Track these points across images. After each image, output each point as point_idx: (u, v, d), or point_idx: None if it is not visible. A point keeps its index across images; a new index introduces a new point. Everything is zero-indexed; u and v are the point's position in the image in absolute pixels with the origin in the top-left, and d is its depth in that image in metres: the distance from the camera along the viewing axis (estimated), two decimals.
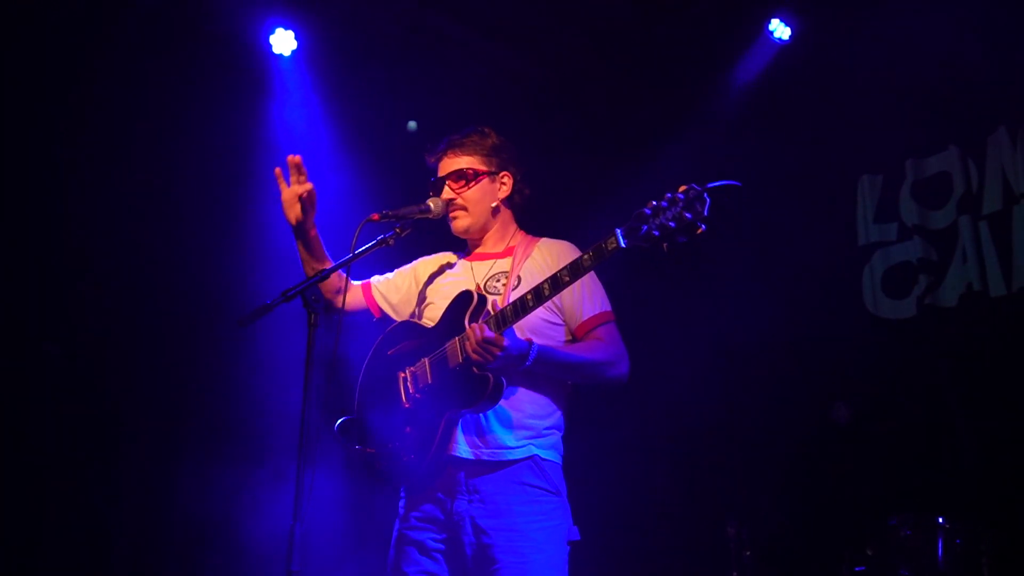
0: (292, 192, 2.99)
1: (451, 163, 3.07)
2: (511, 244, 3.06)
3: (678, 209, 2.29)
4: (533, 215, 3.23)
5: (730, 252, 5.69)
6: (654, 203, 2.35)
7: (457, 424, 2.75)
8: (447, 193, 3.05)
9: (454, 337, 2.73)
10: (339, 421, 2.94)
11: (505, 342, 2.59)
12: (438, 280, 3.11)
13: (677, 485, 5.53)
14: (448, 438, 2.74)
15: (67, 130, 4.80)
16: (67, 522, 4.61)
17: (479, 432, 2.76)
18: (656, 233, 2.33)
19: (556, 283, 2.58)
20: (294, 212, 2.99)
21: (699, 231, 2.28)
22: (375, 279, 3.27)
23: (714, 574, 4.92)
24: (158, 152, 4.95)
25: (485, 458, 2.75)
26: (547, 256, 2.98)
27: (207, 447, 4.78)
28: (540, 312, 2.81)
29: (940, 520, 4.15)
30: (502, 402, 2.72)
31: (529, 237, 3.11)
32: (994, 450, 4.73)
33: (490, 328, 2.61)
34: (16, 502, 4.48)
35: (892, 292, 5.51)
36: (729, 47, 5.66)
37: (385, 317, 3.19)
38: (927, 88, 5.20)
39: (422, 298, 3.11)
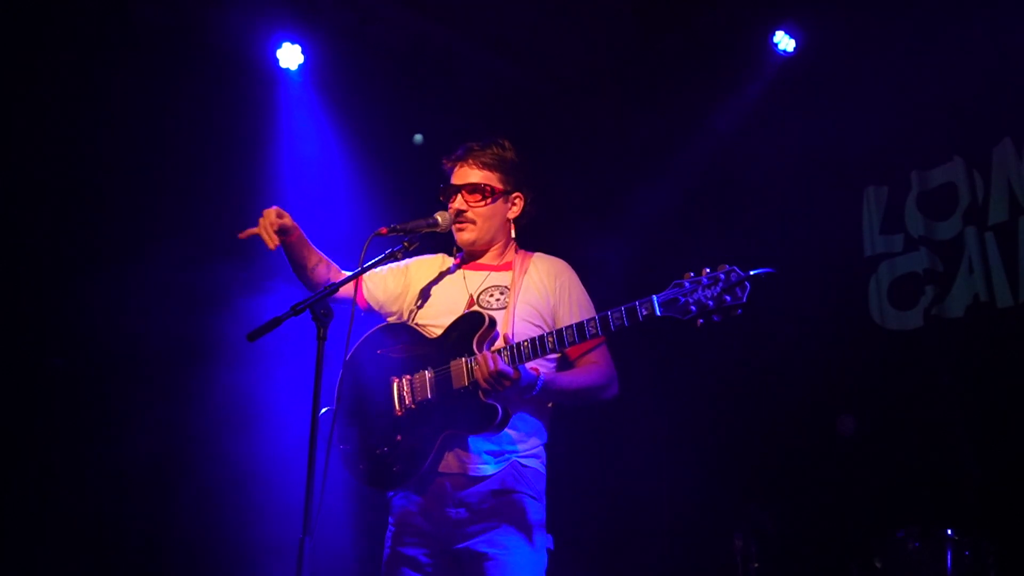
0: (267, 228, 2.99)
1: (469, 174, 3.06)
2: (508, 259, 3.08)
3: (718, 290, 2.39)
4: (537, 228, 3.24)
5: (736, 263, 5.68)
6: (692, 276, 2.44)
7: (450, 443, 2.78)
8: (459, 203, 3.04)
9: (459, 356, 2.74)
10: (322, 410, 2.93)
11: (517, 376, 2.63)
12: (432, 284, 3.11)
13: (684, 497, 5.52)
14: (440, 455, 2.77)
15: (76, 144, 4.82)
16: (70, 535, 4.61)
17: (467, 451, 2.79)
18: (693, 309, 2.41)
19: (582, 332, 2.62)
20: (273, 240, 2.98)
21: (735, 314, 2.37)
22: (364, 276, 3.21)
23: None
24: (166, 165, 4.97)
25: (471, 474, 2.79)
26: (543, 274, 3.01)
27: (213, 459, 4.77)
28: (532, 331, 2.84)
29: (948, 532, 4.14)
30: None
31: (524, 252, 3.12)
32: (1002, 462, 4.71)
33: (504, 361, 2.64)
34: (19, 515, 4.48)
35: (898, 303, 5.50)
36: (734, 59, 5.68)
37: (371, 311, 3.16)
38: (932, 99, 5.20)
39: (413, 299, 3.10)
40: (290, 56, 5.23)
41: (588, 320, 2.62)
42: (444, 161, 3.14)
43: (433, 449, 2.74)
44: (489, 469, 2.79)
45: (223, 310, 4.86)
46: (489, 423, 2.66)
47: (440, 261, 3.19)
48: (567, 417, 3.28)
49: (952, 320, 5.24)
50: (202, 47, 5.00)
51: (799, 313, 5.53)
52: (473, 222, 3.04)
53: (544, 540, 2.84)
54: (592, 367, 2.91)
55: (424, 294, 3.08)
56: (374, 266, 2.90)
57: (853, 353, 5.47)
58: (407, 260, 3.19)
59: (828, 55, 5.50)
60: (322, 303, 2.62)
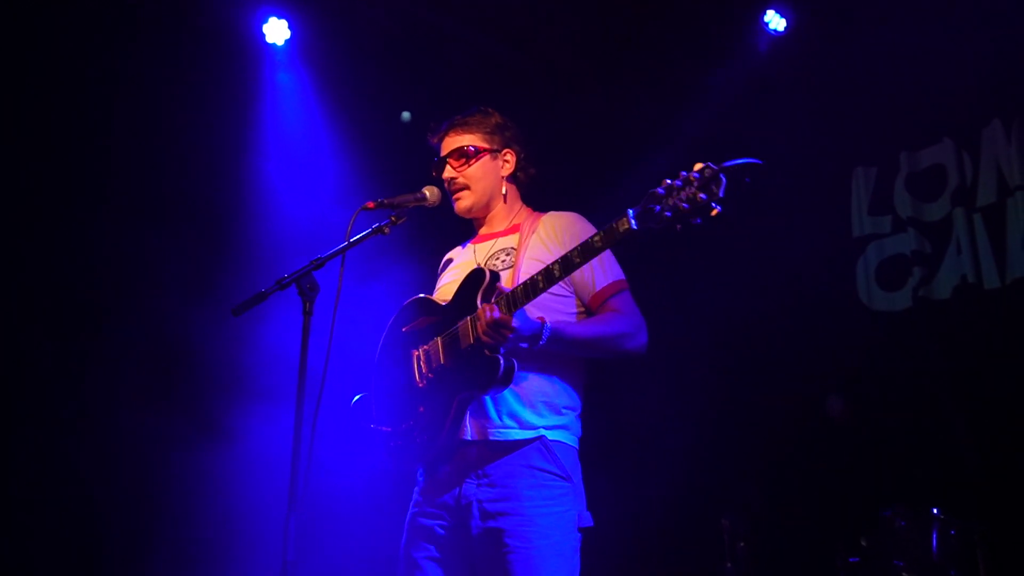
0: None
1: (453, 141, 3.03)
2: (516, 222, 3.03)
3: (692, 190, 2.21)
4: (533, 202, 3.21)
5: (724, 244, 5.69)
6: (668, 182, 2.27)
7: (468, 406, 2.72)
8: (449, 172, 3.01)
9: (466, 316, 2.69)
10: (354, 398, 2.92)
11: (515, 323, 2.54)
12: (450, 265, 3.11)
13: (671, 477, 5.52)
14: (459, 421, 2.70)
15: (60, 123, 4.76)
16: (58, 518, 4.58)
17: (487, 415, 2.72)
18: (668, 215, 2.26)
19: (567, 264, 2.53)
20: None
21: (714, 213, 2.19)
22: None
23: (708, 565, 4.93)
24: (151, 143, 4.92)
25: (492, 438, 2.71)
26: (550, 230, 2.93)
27: (201, 437, 4.74)
28: None
29: (934, 511, 4.16)
30: (512, 383, 2.67)
31: (535, 213, 3.07)
32: (988, 441, 4.75)
33: (500, 309, 2.56)
34: (7, 498, 4.45)
35: (886, 284, 5.52)
36: (724, 38, 5.65)
37: None
38: (922, 80, 5.20)
39: (441, 278, 3.10)
40: (276, 31, 5.17)
41: (572, 250, 2.52)
42: (430, 138, 3.11)
43: (449, 414, 2.67)
44: (513, 434, 2.70)
45: (211, 288, 4.84)
46: (493, 378, 2.55)
47: (458, 246, 3.18)
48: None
49: (940, 301, 5.25)
50: (187, 21, 4.94)
51: (787, 293, 5.53)
52: (466, 187, 3.00)
53: (572, 525, 2.70)
54: (611, 314, 2.77)
55: (443, 276, 3.08)
56: (360, 241, 2.85)
57: (841, 334, 5.49)
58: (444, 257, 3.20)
59: (819, 35, 5.49)
60: (308, 277, 2.60)
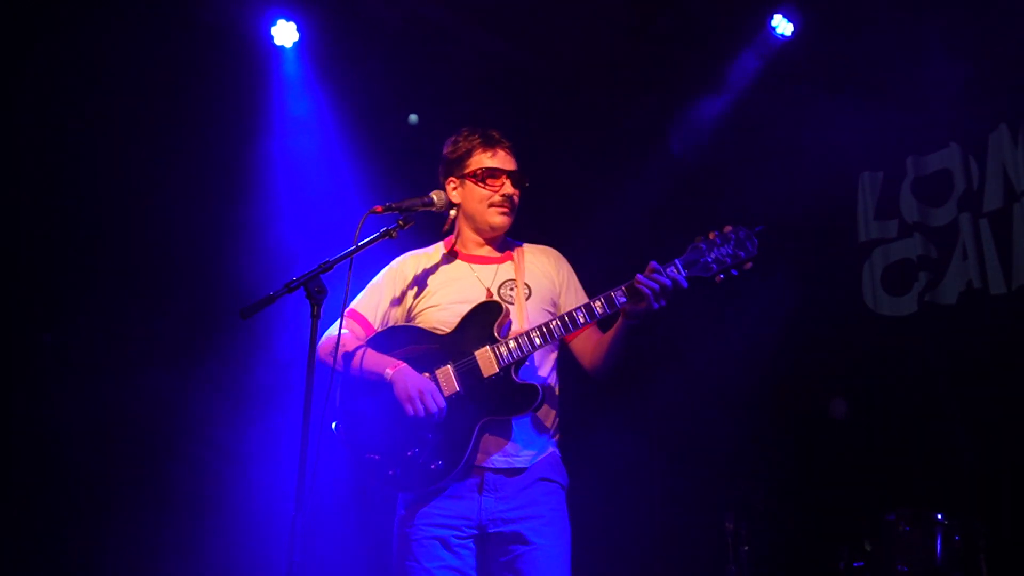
0: None
1: (510, 160, 3.09)
2: (506, 251, 3.11)
3: (731, 248, 2.69)
4: (533, 211, 3.25)
5: None
6: (703, 237, 2.71)
7: (485, 432, 2.82)
8: (509, 188, 3.04)
9: (482, 345, 2.81)
10: (334, 424, 2.92)
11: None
12: (437, 280, 3.05)
13: (675, 480, 5.53)
14: (479, 446, 2.81)
15: (65, 121, 4.78)
16: (59, 514, 4.60)
17: (512, 441, 2.85)
18: (714, 267, 2.69)
19: (611, 303, 2.76)
20: None
21: (748, 266, 2.69)
22: (355, 308, 3.08)
23: (712, 569, 4.93)
24: (158, 144, 4.93)
25: (517, 466, 2.86)
26: (544, 266, 3.09)
27: (205, 437, 4.77)
28: (545, 317, 2.93)
29: (939, 516, 4.16)
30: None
31: (514, 242, 3.16)
32: (993, 447, 4.74)
33: (524, 344, 2.78)
34: (7, 493, 4.47)
35: (892, 289, 5.52)
36: (731, 42, 5.65)
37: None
38: (928, 85, 5.20)
39: (422, 297, 3.04)
40: (285, 34, 5.18)
41: (617, 291, 2.75)
42: (479, 142, 3.05)
43: (471, 440, 2.78)
44: (534, 460, 2.88)
45: (219, 287, 4.86)
46: (530, 403, 2.76)
47: (429, 256, 3.13)
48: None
49: (945, 306, 5.25)
50: (195, 23, 4.96)
51: (793, 297, 5.53)
52: (515, 208, 3.08)
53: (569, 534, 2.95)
54: None
55: (435, 293, 3.02)
56: (368, 244, 2.85)
57: (846, 338, 5.49)
58: (394, 265, 3.14)
59: (826, 40, 5.48)
60: (316, 280, 2.60)
